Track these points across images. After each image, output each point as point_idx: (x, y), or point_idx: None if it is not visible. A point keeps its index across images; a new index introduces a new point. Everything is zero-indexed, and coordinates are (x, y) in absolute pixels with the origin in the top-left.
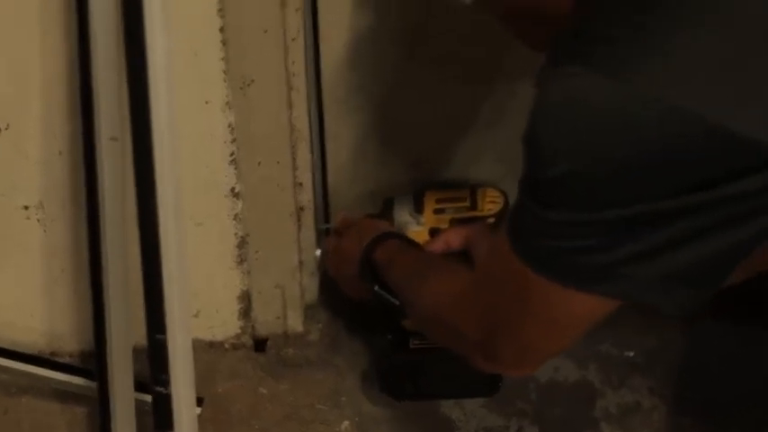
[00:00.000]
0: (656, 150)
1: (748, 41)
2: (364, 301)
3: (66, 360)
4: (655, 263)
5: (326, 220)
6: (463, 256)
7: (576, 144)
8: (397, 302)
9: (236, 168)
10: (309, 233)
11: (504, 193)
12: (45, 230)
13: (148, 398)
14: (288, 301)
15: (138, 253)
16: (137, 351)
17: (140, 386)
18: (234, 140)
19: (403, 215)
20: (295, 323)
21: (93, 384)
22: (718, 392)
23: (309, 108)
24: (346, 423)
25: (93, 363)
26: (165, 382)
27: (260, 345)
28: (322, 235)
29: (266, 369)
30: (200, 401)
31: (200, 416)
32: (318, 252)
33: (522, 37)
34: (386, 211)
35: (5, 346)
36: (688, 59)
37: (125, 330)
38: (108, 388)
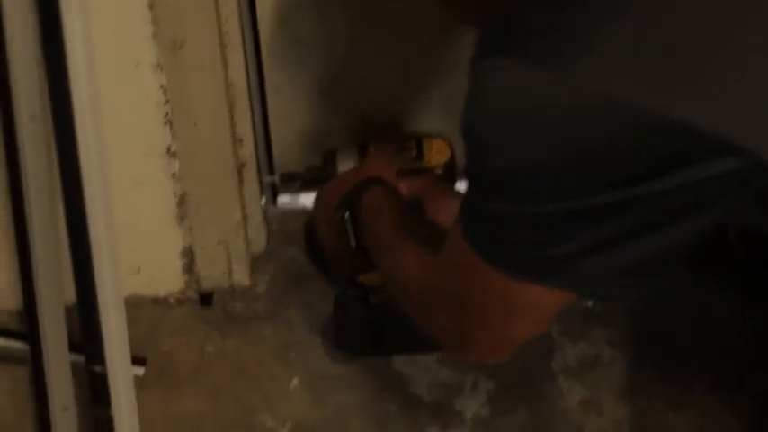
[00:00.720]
0: (595, 144)
1: (685, 26)
2: (332, 248)
3: (5, 318)
4: (601, 257)
5: (271, 173)
6: (413, 207)
7: (513, 139)
8: (354, 245)
9: (171, 129)
10: (253, 187)
11: (450, 144)
12: None
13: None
14: (232, 256)
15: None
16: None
17: (75, 347)
18: (167, 102)
19: (347, 168)
20: (241, 277)
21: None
22: (681, 345)
23: (247, 63)
24: (296, 380)
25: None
26: (101, 362)
27: (206, 299)
28: (267, 188)
29: (213, 324)
30: (142, 361)
31: (144, 376)
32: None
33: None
34: (328, 165)
35: None
36: (623, 50)
37: (55, 293)
38: (42, 351)
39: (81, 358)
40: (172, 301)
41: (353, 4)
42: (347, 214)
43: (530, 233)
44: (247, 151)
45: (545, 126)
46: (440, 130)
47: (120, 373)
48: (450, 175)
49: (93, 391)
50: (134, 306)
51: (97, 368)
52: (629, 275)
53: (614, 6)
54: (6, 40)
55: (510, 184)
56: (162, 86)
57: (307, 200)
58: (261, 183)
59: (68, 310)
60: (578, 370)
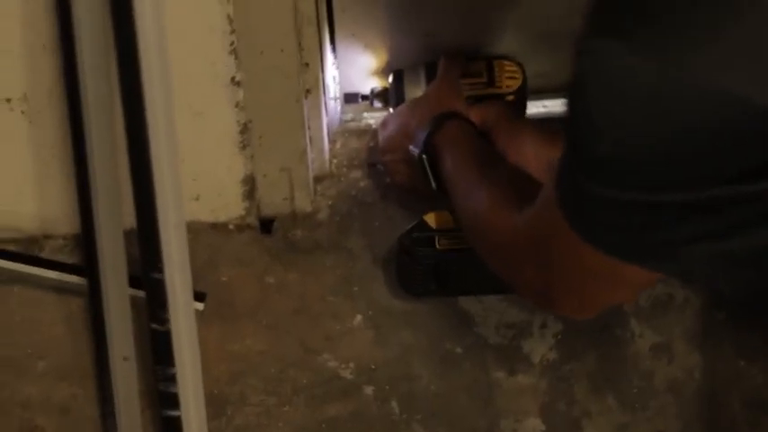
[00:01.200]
0: (706, 136)
1: None
2: (405, 184)
3: (60, 243)
4: (704, 247)
5: (335, 94)
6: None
7: (623, 127)
8: (434, 185)
9: (236, 58)
10: (317, 111)
11: (521, 67)
12: (30, 122)
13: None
14: (295, 183)
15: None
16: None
17: (135, 282)
18: (233, 31)
19: (416, 90)
20: (303, 203)
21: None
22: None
23: None
24: (359, 317)
25: (83, 259)
26: (160, 268)
27: (266, 225)
28: (331, 107)
29: (273, 254)
30: (202, 296)
31: (203, 310)
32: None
33: None
34: (396, 85)
35: None
36: (738, 45)
37: (114, 223)
38: (100, 286)
39: (140, 293)
40: (231, 227)
41: None
42: (425, 156)
43: (631, 219)
44: (313, 76)
45: (652, 116)
46: (509, 50)
47: (179, 287)
48: (521, 101)
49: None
50: (193, 232)
51: (155, 276)
52: (733, 267)
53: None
54: None
55: (613, 170)
56: (228, 16)
57: (371, 119)
58: (325, 104)
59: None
60: (650, 312)
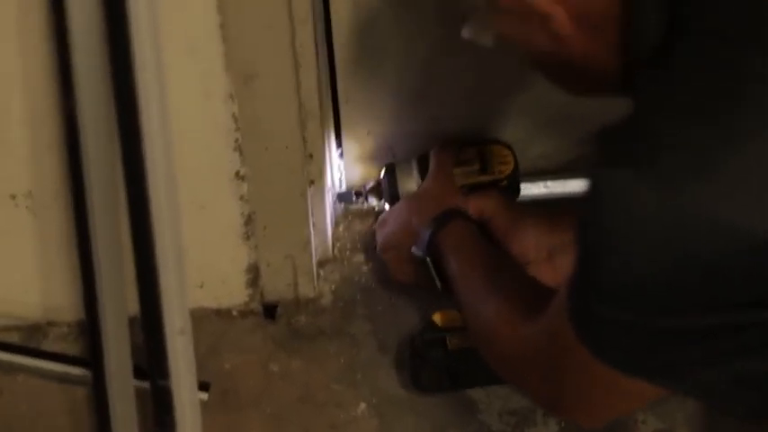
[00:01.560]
0: (709, 265)
1: None
2: (407, 282)
3: (64, 330)
4: (709, 370)
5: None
6: (479, 227)
7: (630, 254)
8: (440, 286)
9: (240, 154)
10: (320, 199)
11: (512, 150)
12: (36, 216)
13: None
14: (298, 270)
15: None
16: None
17: (139, 372)
18: (237, 129)
19: (409, 184)
20: (306, 289)
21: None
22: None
23: (320, 77)
24: (363, 405)
25: (88, 349)
26: (165, 376)
27: (270, 311)
28: (334, 197)
29: (277, 341)
30: (206, 386)
31: (206, 400)
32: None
33: (554, 81)
34: (389, 180)
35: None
36: (742, 177)
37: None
38: (105, 378)
39: (144, 384)
40: (235, 313)
41: (430, 15)
42: (429, 259)
43: (638, 340)
44: (317, 167)
45: (658, 244)
46: (513, 134)
47: (186, 391)
48: (514, 185)
49: (158, 406)
50: (197, 319)
51: (161, 383)
52: (737, 389)
53: (743, 132)
54: (75, 67)
55: (620, 295)
56: (233, 115)
57: (373, 203)
58: (329, 193)
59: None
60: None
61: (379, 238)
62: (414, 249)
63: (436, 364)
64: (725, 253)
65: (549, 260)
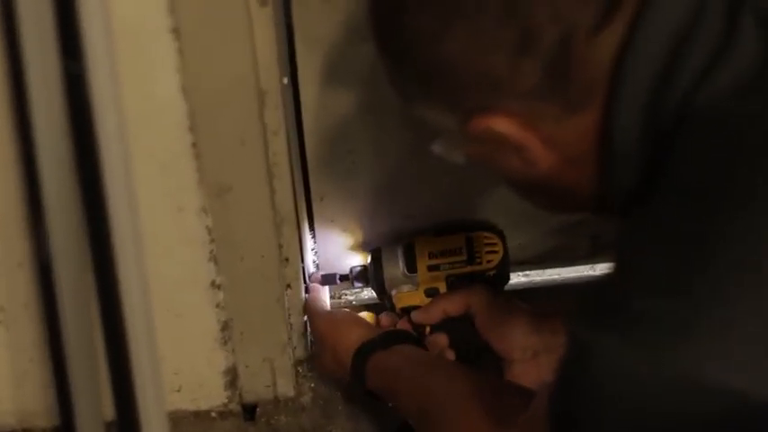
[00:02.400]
0: (701, 426)
1: None
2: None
3: None
4: None
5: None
6: (465, 321)
7: (604, 413)
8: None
9: (216, 264)
10: (297, 300)
11: (501, 236)
12: (7, 329)
13: None
14: (277, 371)
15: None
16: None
17: None
18: (212, 241)
19: (395, 274)
20: (286, 389)
21: None
22: None
23: (294, 182)
24: None
25: None
26: None
27: (249, 412)
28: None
29: None
30: None
31: None
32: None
33: (527, 199)
34: (375, 265)
35: None
36: (722, 337)
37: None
38: None
39: None
40: (214, 414)
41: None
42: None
43: None
44: (293, 270)
45: (647, 409)
46: (488, 219)
47: None
48: (503, 275)
49: None
50: (175, 421)
51: None
52: None
53: (731, 291)
54: (42, 180)
55: None
56: (207, 227)
57: (351, 295)
58: (305, 290)
59: None
60: None
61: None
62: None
63: None
64: (723, 416)
65: (534, 360)
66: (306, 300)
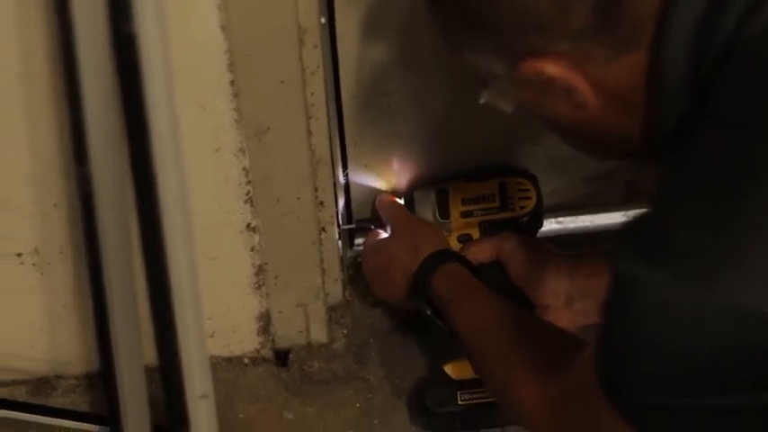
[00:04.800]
0: (739, 358)
1: None
2: (404, 309)
3: (72, 383)
4: None
5: (349, 221)
6: (496, 267)
7: (657, 347)
8: (447, 329)
9: (252, 206)
10: (331, 245)
11: (534, 182)
12: (42, 273)
13: None
14: (310, 317)
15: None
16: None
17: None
18: (249, 182)
19: (426, 216)
20: (319, 335)
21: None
22: None
23: (330, 125)
24: None
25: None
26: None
27: (282, 358)
28: (344, 235)
29: (290, 388)
30: None
31: None
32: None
33: (575, 147)
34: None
35: (6, 373)
36: (759, 264)
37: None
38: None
39: None
40: (246, 361)
41: (439, 60)
42: (430, 310)
43: (674, 423)
44: (328, 214)
45: (687, 338)
46: (521, 165)
47: None
48: (536, 221)
49: None
50: None
51: None
52: None
53: (762, 226)
54: (88, 123)
55: (648, 384)
56: (244, 168)
57: None
58: (339, 234)
59: None
60: None
61: (367, 266)
62: (414, 298)
63: (447, 422)
64: (756, 340)
65: (568, 306)
66: (380, 197)
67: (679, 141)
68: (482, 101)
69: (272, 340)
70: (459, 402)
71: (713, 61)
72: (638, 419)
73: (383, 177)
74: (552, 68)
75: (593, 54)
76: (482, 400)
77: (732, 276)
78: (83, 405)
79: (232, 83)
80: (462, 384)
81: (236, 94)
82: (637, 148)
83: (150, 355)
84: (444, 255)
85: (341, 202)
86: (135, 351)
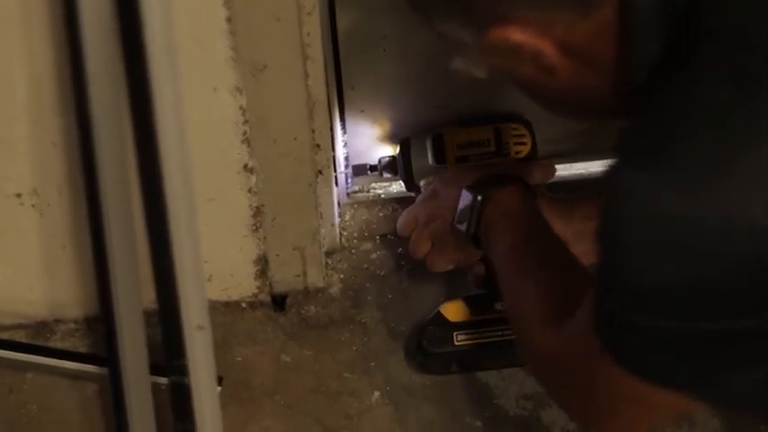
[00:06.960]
0: (735, 267)
1: None
2: (444, 263)
3: (71, 327)
4: (748, 374)
5: (345, 166)
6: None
7: (650, 258)
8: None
9: (249, 147)
10: (328, 189)
11: (529, 128)
12: (41, 214)
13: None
14: (307, 260)
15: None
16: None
17: (156, 369)
18: (246, 122)
19: (423, 165)
20: (316, 279)
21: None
22: None
23: (326, 67)
24: (377, 394)
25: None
26: (184, 373)
27: (279, 302)
28: (341, 179)
29: (288, 331)
30: (218, 380)
31: (219, 393)
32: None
33: (548, 109)
34: (404, 154)
35: (5, 317)
36: (760, 173)
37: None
38: (121, 376)
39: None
40: (244, 305)
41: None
42: (479, 198)
43: (669, 347)
44: (324, 156)
45: (679, 247)
46: (515, 110)
47: (205, 388)
48: None
49: (176, 403)
50: None
51: (180, 379)
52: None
53: (755, 134)
54: (86, 62)
55: (646, 300)
56: (241, 107)
57: (379, 189)
58: (335, 179)
59: None
60: None
61: (418, 214)
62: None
63: (443, 361)
64: (750, 252)
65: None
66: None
67: (653, 91)
68: (454, 67)
69: (270, 284)
70: (456, 343)
71: None
72: (630, 355)
73: (379, 123)
74: (519, 35)
75: (558, 19)
76: (478, 342)
77: (721, 185)
78: (81, 349)
79: (228, 19)
80: (458, 326)
81: (232, 32)
82: (610, 105)
83: (148, 298)
84: (506, 177)
85: (338, 148)
86: (134, 292)
